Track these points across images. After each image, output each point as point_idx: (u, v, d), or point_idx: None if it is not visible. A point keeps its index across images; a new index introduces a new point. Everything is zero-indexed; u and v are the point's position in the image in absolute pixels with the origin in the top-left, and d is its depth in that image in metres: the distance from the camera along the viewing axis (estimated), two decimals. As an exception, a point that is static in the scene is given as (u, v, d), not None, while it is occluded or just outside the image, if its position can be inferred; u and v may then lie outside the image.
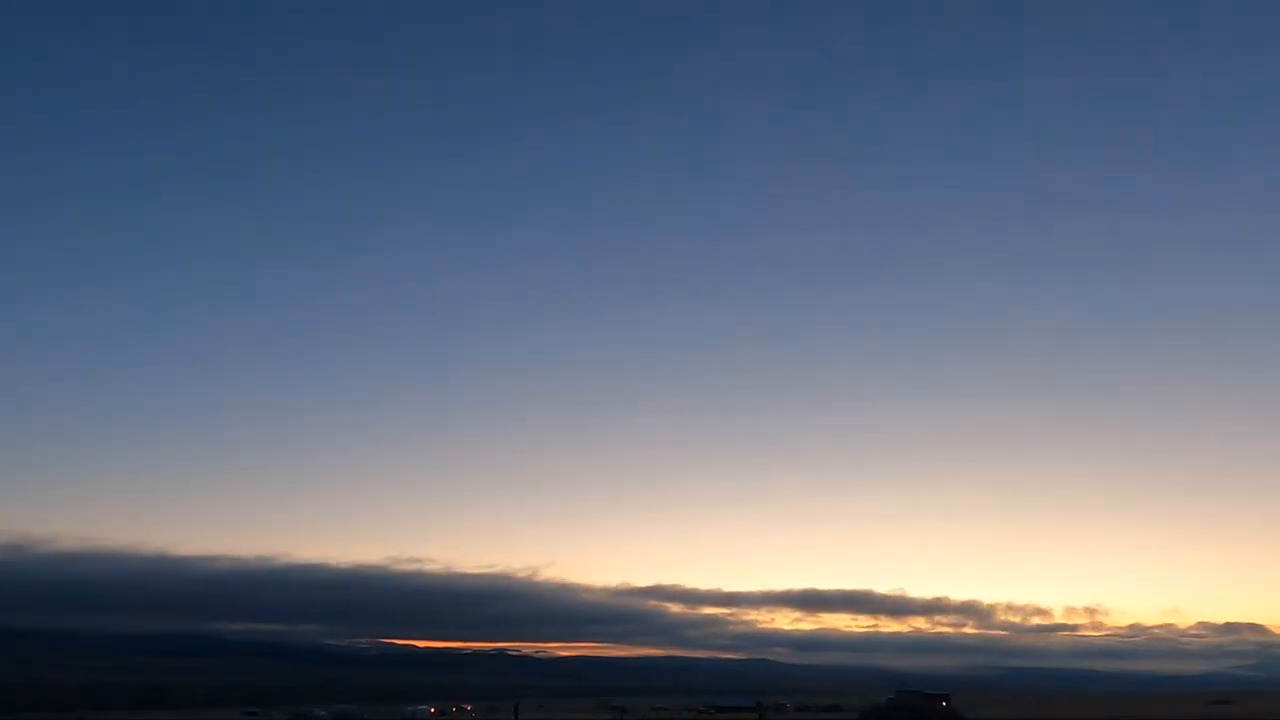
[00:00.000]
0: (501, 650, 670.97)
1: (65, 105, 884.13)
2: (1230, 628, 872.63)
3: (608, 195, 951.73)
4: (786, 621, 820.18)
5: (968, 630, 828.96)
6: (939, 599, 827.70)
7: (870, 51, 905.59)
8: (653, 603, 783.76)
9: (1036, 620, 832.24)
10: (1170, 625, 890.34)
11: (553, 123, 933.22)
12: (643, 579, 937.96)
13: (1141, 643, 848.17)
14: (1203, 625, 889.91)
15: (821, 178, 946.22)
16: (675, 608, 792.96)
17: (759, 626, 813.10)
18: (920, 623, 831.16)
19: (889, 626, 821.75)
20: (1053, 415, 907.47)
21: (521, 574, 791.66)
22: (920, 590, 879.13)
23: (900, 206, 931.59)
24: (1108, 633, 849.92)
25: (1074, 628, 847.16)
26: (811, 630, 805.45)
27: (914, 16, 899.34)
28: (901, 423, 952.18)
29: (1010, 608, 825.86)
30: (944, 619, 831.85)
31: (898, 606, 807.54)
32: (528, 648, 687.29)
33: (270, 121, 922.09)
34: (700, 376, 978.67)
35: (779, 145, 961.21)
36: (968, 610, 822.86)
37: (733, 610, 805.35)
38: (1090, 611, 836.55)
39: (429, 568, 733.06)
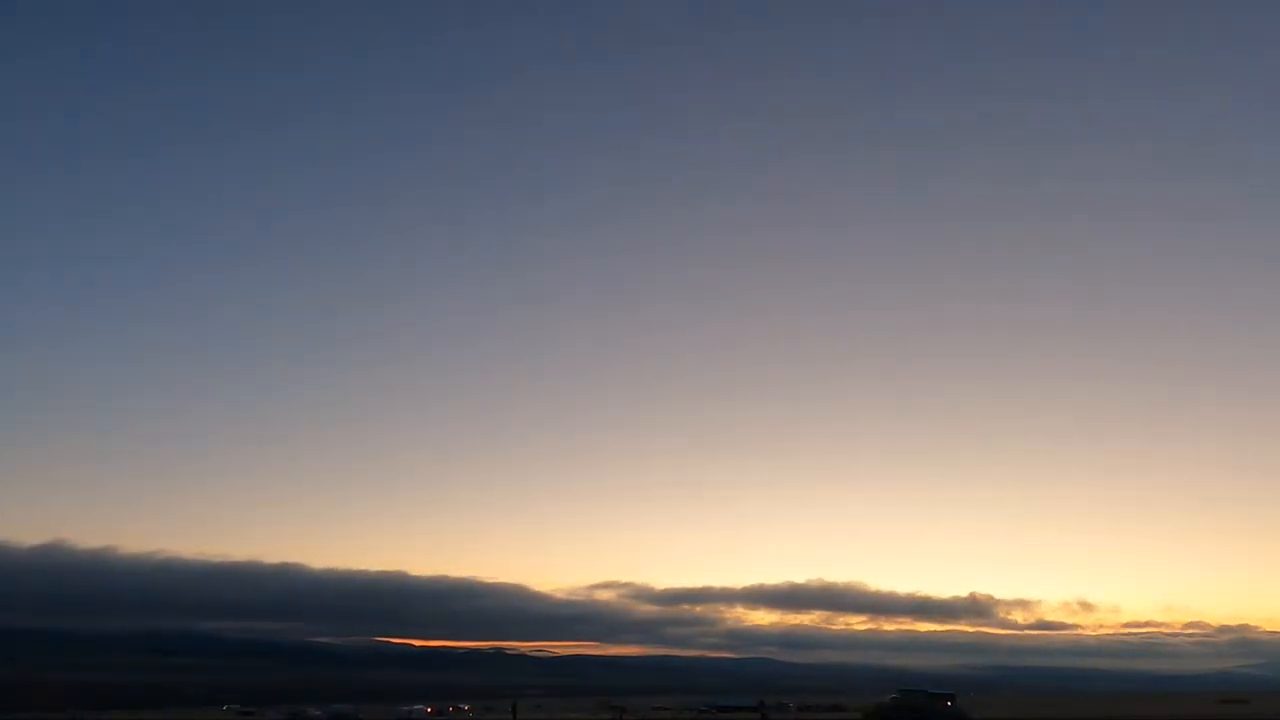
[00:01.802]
0: (499, 649, 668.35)
1: (54, 104, 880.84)
2: (1237, 628, 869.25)
3: (573, 200, 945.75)
4: (782, 619, 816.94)
5: (967, 629, 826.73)
6: (938, 598, 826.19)
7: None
8: (651, 603, 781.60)
9: (1038, 618, 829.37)
10: (1174, 624, 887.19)
11: (531, 126, 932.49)
12: (644, 579, 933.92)
13: (1146, 642, 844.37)
14: (1208, 625, 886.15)
15: (810, 173, 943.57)
16: (674, 607, 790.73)
17: (756, 625, 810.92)
18: (916, 622, 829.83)
19: (887, 626, 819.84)
20: (1054, 412, 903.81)
21: (516, 574, 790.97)
22: (919, 589, 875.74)
23: (886, 203, 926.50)
24: (1111, 632, 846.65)
25: (1076, 626, 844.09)
26: (809, 629, 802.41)
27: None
28: (897, 419, 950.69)
29: (1011, 605, 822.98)
30: (943, 618, 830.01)
31: (894, 606, 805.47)
32: (525, 647, 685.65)
33: (260, 122, 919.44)
34: (698, 378, 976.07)
35: (756, 144, 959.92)
36: (967, 609, 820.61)
37: (729, 609, 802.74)
38: (1093, 610, 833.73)
39: (423, 570, 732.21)
